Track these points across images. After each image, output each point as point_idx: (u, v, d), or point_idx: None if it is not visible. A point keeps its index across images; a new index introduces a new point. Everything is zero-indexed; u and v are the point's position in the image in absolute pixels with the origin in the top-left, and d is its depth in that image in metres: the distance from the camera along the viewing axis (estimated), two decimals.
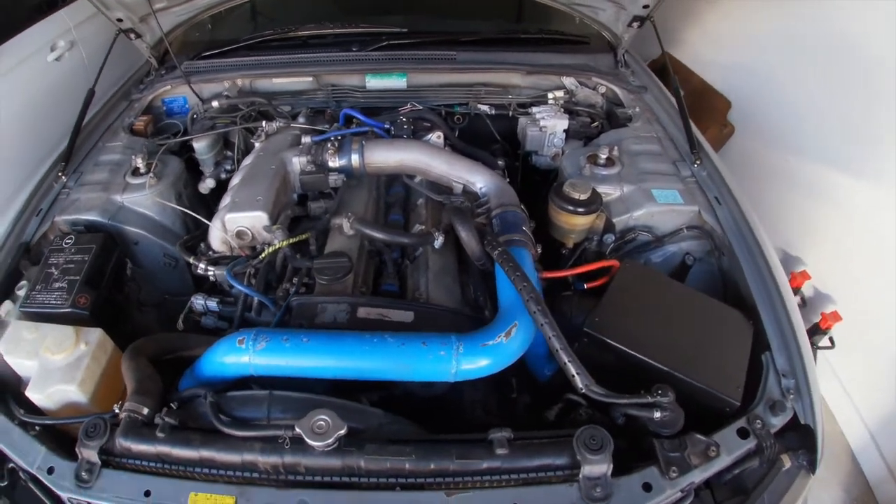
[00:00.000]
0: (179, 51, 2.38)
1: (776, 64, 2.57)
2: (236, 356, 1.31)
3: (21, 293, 1.61)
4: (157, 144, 2.08)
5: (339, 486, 1.18)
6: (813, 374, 1.37)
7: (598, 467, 1.15)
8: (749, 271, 1.55)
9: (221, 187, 2.08)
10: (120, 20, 2.15)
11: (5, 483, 1.32)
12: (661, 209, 1.70)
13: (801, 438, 1.30)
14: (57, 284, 1.59)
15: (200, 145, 2.05)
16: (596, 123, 2.10)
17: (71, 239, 1.71)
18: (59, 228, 1.83)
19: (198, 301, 1.65)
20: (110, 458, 1.23)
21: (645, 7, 1.99)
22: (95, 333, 1.47)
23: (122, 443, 1.21)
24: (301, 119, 2.06)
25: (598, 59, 2.25)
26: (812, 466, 1.28)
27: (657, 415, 1.22)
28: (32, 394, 1.38)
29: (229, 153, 2.15)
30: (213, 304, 1.65)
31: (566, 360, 1.25)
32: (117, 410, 1.26)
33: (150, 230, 1.86)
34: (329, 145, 1.78)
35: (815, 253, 2.29)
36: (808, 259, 2.33)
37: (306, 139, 1.85)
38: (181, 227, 1.97)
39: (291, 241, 1.59)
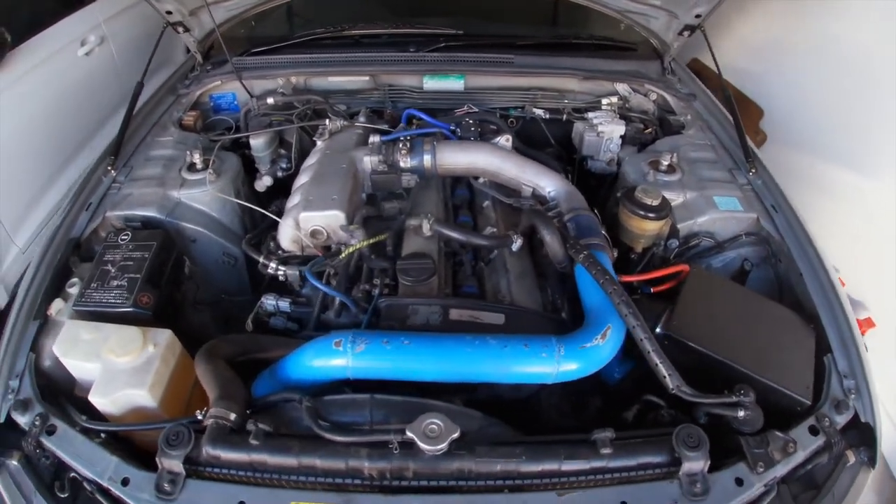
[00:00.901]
0: (220, 46, 2.35)
1: (809, 72, 2.66)
2: (332, 359, 1.31)
3: (72, 291, 1.56)
4: (209, 140, 2.07)
5: (445, 491, 1.18)
6: (871, 374, 1.47)
7: (696, 464, 1.20)
8: (808, 277, 1.63)
9: (277, 185, 2.09)
10: (169, 13, 2.12)
11: (66, 494, 1.25)
12: (723, 216, 1.78)
13: (862, 435, 1.39)
14: (115, 282, 1.54)
15: (258, 142, 2.04)
16: (649, 130, 2.16)
17: (127, 235, 1.67)
18: (112, 224, 1.80)
19: (269, 301, 1.64)
20: (194, 468, 1.18)
21: (697, 17, 2.05)
22: (165, 334, 1.43)
23: (210, 451, 1.17)
24: (362, 118, 2.07)
25: (646, 66, 2.31)
26: (872, 462, 1.36)
27: (741, 413, 1.29)
28: (96, 398, 1.33)
29: (283, 151, 2.15)
30: (284, 304, 1.65)
31: (658, 362, 1.30)
32: (200, 417, 1.22)
33: (209, 228, 1.85)
34: (400, 145, 1.81)
35: (848, 260, 2.39)
36: (840, 266, 2.43)
37: (375, 138, 1.86)
38: (239, 225, 1.96)
39: (371, 241, 1.61)
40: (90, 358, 1.37)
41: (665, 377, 1.30)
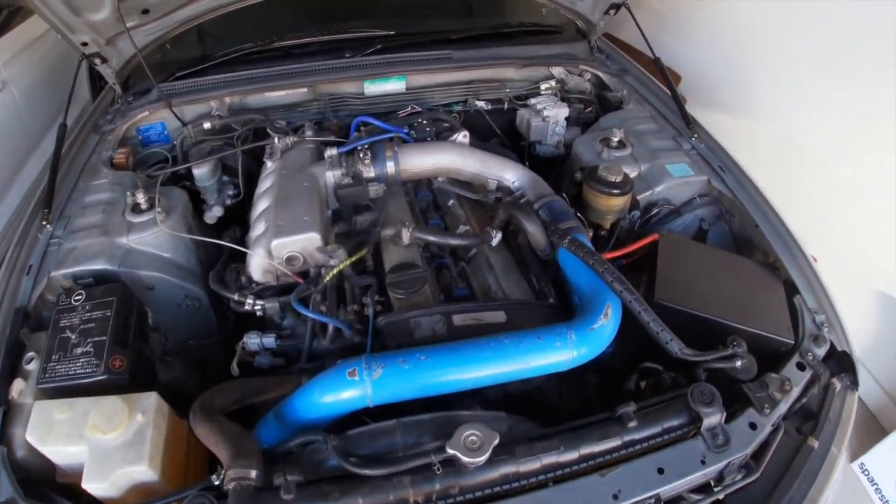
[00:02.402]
0: (137, 75, 2.17)
1: (716, 36, 2.86)
2: (348, 391, 1.25)
3: (31, 367, 1.39)
4: (147, 177, 1.90)
5: (494, 498, 1.16)
6: (837, 306, 1.61)
7: (714, 418, 1.26)
8: (764, 226, 1.76)
9: (227, 215, 1.97)
10: (85, 44, 1.92)
11: None
12: (677, 182, 1.87)
13: (840, 363, 1.52)
14: (79, 350, 1.39)
15: (201, 172, 1.90)
16: (590, 109, 2.23)
17: (81, 295, 1.50)
18: (60, 285, 1.61)
19: (252, 340, 1.54)
20: None
21: None
22: (150, 398, 1.30)
23: None
24: (308, 132, 1.97)
25: (574, 47, 2.38)
26: (855, 384, 1.51)
27: (738, 363, 1.37)
28: (91, 484, 1.19)
29: (226, 178, 2.02)
30: (269, 340, 1.55)
31: (658, 330, 1.35)
32: (217, 481, 1.12)
33: (166, 271, 1.70)
34: (361, 154, 1.75)
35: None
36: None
37: (331, 151, 1.78)
38: (196, 263, 1.81)
39: (354, 259, 1.55)
40: (73, 440, 1.22)
41: (667, 343, 1.35)
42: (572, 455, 1.21)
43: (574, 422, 1.30)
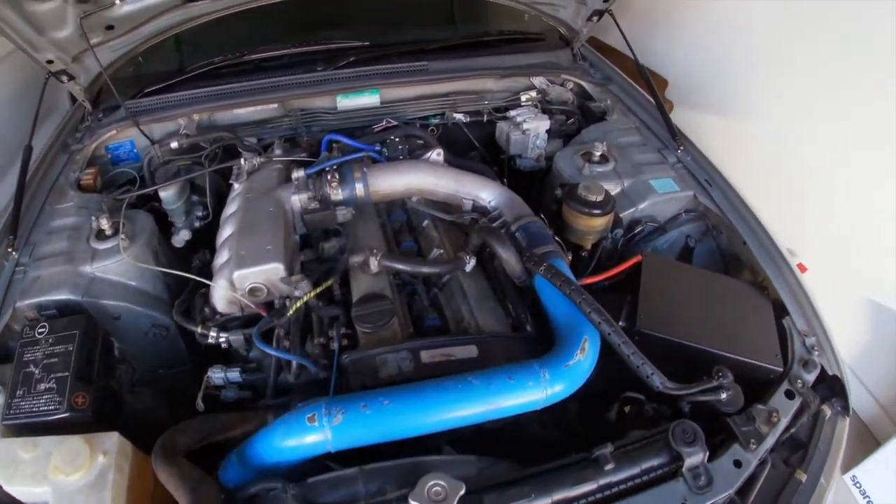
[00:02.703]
0: (108, 91, 2.09)
1: (712, 34, 2.79)
2: (308, 436, 1.18)
3: None
4: (114, 200, 1.83)
5: None
6: (828, 328, 1.55)
7: (696, 457, 1.19)
8: (752, 244, 1.69)
9: (196, 238, 1.90)
10: (51, 62, 1.85)
11: None
12: (663, 198, 1.79)
13: (831, 388, 1.46)
14: (43, 386, 1.36)
15: (168, 194, 1.82)
16: (572, 121, 2.15)
17: (44, 327, 1.46)
18: (25, 315, 1.55)
19: (216, 374, 1.48)
20: None
21: (605, 1, 2.05)
22: (113, 438, 1.26)
23: None
24: (278, 151, 1.89)
25: (557, 55, 2.29)
26: (846, 410, 1.44)
27: (724, 395, 1.31)
28: None
29: (195, 197, 1.94)
30: (234, 374, 1.49)
31: (639, 364, 1.29)
32: None
33: (131, 300, 1.64)
34: (328, 177, 1.67)
35: (765, 209, 2.56)
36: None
37: (298, 173, 1.70)
38: (163, 289, 1.75)
39: (318, 291, 1.48)
40: (37, 481, 1.20)
41: (648, 377, 1.29)
42: (545, 502, 1.14)
43: (547, 464, 1.23)
